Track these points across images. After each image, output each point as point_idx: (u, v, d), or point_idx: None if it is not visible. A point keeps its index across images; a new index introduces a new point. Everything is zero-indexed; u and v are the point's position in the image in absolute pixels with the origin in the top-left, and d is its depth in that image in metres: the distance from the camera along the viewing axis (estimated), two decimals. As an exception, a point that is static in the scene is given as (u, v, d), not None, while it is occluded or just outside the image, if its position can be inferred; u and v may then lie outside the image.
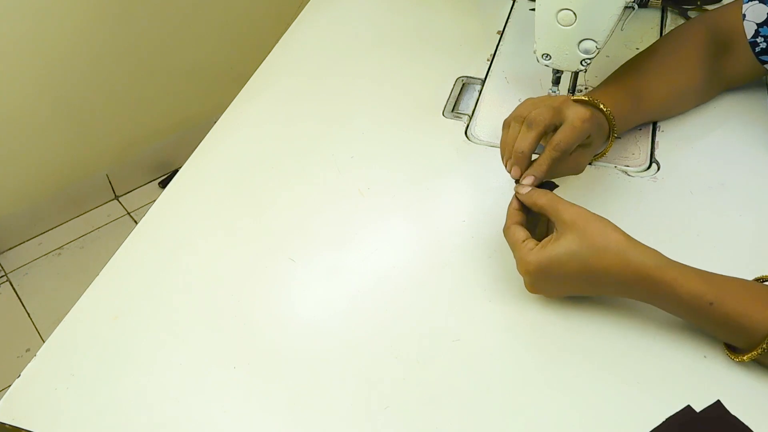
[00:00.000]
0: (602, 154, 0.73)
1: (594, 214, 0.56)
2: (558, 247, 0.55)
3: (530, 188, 0.60)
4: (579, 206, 0.57)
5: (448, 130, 0.80)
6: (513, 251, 0.59)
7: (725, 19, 0.76)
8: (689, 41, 0.76)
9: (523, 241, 0.58)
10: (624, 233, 0.55)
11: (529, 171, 0.61)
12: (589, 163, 0.74)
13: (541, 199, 0.59)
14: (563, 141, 0.61)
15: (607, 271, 0.54)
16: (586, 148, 0.67)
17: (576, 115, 0.63)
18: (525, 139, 0.61)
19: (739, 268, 0.62)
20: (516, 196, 0.61)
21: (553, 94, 0.77)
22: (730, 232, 0.66)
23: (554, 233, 0.57)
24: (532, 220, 0.62)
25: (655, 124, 0.78)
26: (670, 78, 0.75)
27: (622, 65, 0.77)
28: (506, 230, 0.60)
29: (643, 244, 0.55)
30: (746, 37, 0.73)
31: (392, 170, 0.75)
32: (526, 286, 0.60)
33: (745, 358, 0.53)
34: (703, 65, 0.76)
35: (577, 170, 0.68)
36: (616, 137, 0.71)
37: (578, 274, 0.55)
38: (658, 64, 0.75)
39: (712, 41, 0.76)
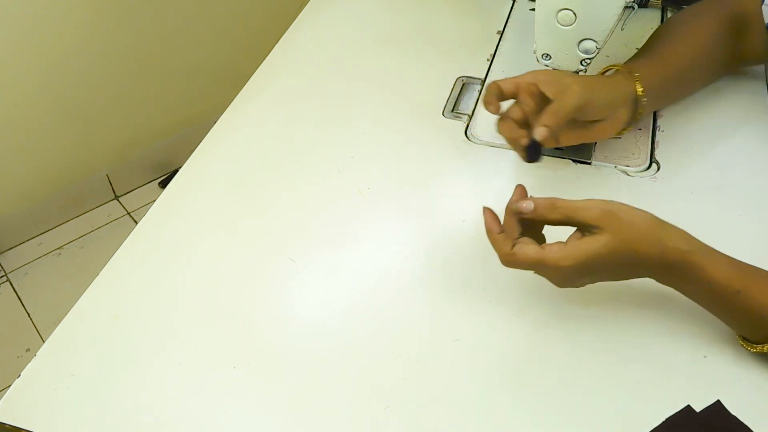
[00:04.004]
0: (630, 128, 0.72)
1: (616, 203, 0.54)
2: (595, 243, 0.52)
3: (533, 204, 0.55)
4: (595, 200, 0.54)
5: (448, 130, 0.80)
6: (538, 268, 0.55)
7: (742, 2, 0.76)
8: (709, 12, 0.77)
9: (541, 249, 0.54)
10: (653, 217, 0.54)
11: (542, 121, 0.61)
12: (588, 163, 0.74)
13: (554, 213, 0.54)
14: (560, 109, 0.62)
15: (645, 259, 0.53)
16: (604, 121, 0.68)
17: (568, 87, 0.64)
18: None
19: (739, 268, 0.62)
20: (513, 214, 0.57)
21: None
22: (730, 232, 0.65)
23: (580, 232, 0.54)
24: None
25: (655, 124, 0.78)
26: (693, 39, 0.75)
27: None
28: (512, 255, 0.55)
29: (673, 226, 0.54)
30: (764, 21, 0.73)
31: (392, 170, 0.75)
32: (555, 284, 0.56)
33: (764, 348, 0.53)
34: (723, 33, 0.76)
35: (602, 137, 0.70)
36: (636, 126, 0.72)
37: (617, 267, 0.54)
38: (679, 28, 0.76)
39: (729, 20, 0.76)
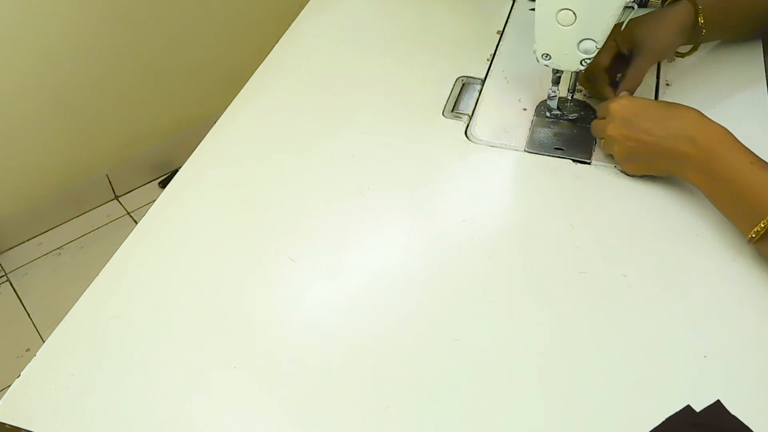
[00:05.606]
0: (694, 49, 0.81)
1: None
2: (645, 100, 0.69)
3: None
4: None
5: (448, 130, 0.80)
6: (607, 104, 0.71)
7: None
8: None
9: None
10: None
11: (623, 87, 0.75)
12: (588, 163, 0.74)
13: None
14: (639, 72, 0.76)
15: (680, 119, 0.65)
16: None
17: (648, 45, 0.76)
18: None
19: (740, 268, 0.62)
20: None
21: (553, 94, 0.77)
22: (730, 233, 0.65)
23: None
24: None
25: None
26: None
27: None
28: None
29: (716, 123, 0.64)
30: None
31: (392, 170, 0.75)
32: (612, 132, 0.69)
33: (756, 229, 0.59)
34: None
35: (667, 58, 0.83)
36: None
37: (654, 115, 0.66)
38: None
39: None
